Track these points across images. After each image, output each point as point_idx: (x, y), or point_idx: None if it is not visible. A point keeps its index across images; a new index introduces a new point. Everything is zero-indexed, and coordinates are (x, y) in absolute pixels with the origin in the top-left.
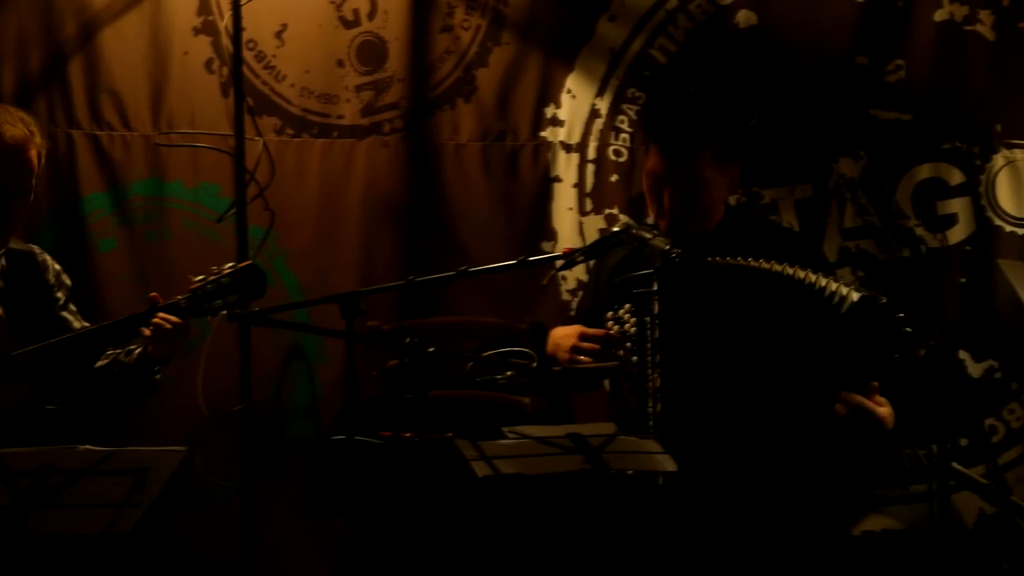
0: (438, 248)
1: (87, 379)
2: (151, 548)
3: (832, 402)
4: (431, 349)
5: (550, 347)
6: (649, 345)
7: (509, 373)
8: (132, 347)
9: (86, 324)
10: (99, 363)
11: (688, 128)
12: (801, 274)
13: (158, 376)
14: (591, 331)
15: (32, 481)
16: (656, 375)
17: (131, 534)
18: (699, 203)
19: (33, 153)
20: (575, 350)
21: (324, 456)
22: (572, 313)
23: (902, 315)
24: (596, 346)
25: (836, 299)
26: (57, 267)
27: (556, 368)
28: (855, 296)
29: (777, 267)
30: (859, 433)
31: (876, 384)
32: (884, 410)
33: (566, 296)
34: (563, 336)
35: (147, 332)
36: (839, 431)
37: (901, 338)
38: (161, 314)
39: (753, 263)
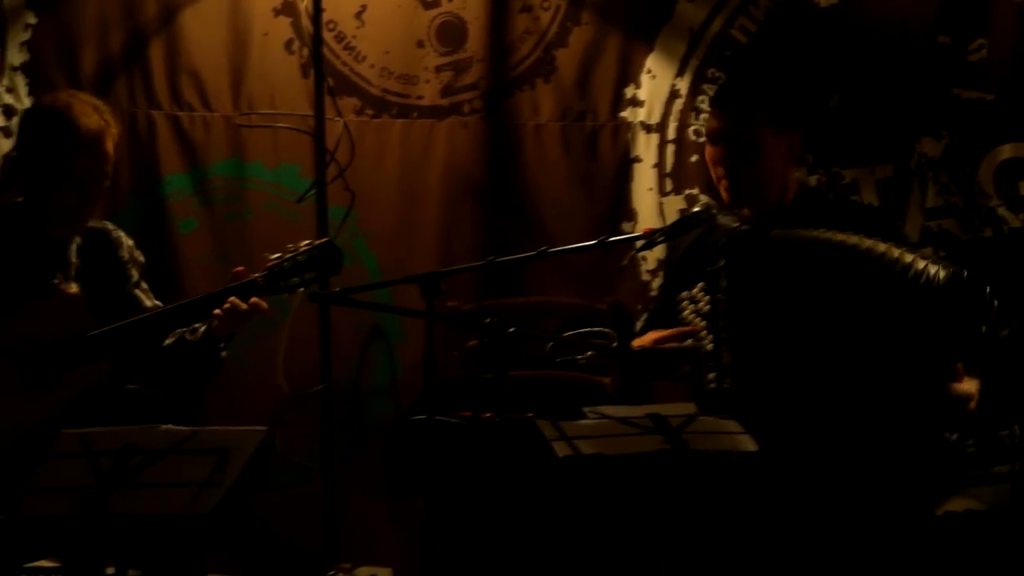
0: (518, 228)
1: (156, 358)
2: (232, 528)
3: (913, 381)
4: (511, 329)
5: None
6: (721, 322)
7: (589, 353)
8: (197, 325)
9: (158, 303)
10: (166, 341)
11: (744, 92)
12: (868, 244)
13: (223, 354)
14: (668, 332)
15: (114, 461)
16: (728, 351)
17: (212, 514)
18: (755, 166)
19: (109, 142)
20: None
21: (404, 436)
22: (652, 293)
23: (989, 288)
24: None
25: (913, 272)
26: (130, 243)
27: (636, 349)
28: (938, 270)
29: (845, 238)
30: (945, 414)
31: (961, 366)
32: (967, 387)
33: (646, 276)
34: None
35: (219, 313)
36: (921, 409)
37: (988, 312)
38: (233, 298)
39: (819, 234)
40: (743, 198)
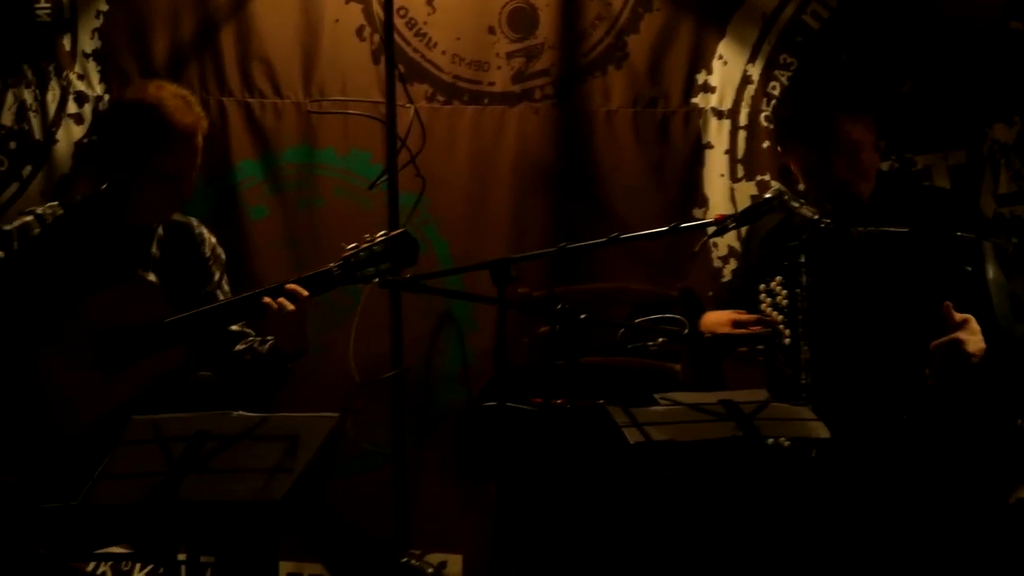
0: (588, 215)
1: (224, 360)
2: (303, 514)
3: (992, 375)
4: (582, 316)
5: (702, 329)
6: (800, 317)
7: (661, 340)
8: (268, 337)
9: None
10: (237, 347)
11: (814, 78)
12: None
13: (290, 366)
14: (744, 317)
15: (186, 447)
16: (806, 347)
17: (283, 500)
18: (844, 167)
19: (200, 137)
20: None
21: (475, 423)
22: (724, 279)
23: None
24: (756, 325)
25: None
26: (213, 240)
27: (708, 336)
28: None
29: (925, 232)
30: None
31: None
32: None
33: (717, 263)
34: (715, 323)
35: (269, 302)
36: (993, 400)
37: None
38: (280, 299)
39: (900, 231)
40: (829, 198)
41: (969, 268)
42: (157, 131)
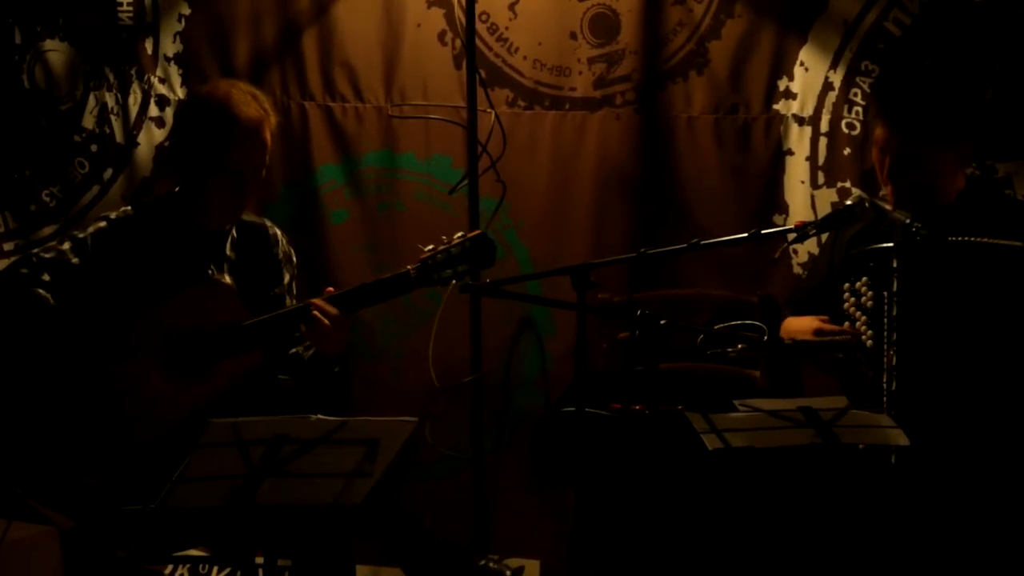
0: (669, 220)
1: (284, 364)
2: (381, 518)
3: None
4: (662, 321)
5: (783, 335)
6: (886, 321)
7: (740, 346)
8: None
9: None
10: (292, 350)
11: (911, 109)
12: None
13: (337, 370)
14: (828, 327)
15: (265, 450)
16: (892, 353)
17: (362, 504)
18: (922, 179)
19: (267, 132)
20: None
21: (554, 428)
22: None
23: None
24: (838, 329)
25: None
26: (286, 242)
27: (789, 344)
28: None
29: (1018, 247)
30: None
31: None
32: None
33: (797, 270)
34: (797, 330)
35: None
36: None
37: None
38: (316, 311)
39: (1001, 243)
40: (907, 203)
41: None
42: (221, 124)
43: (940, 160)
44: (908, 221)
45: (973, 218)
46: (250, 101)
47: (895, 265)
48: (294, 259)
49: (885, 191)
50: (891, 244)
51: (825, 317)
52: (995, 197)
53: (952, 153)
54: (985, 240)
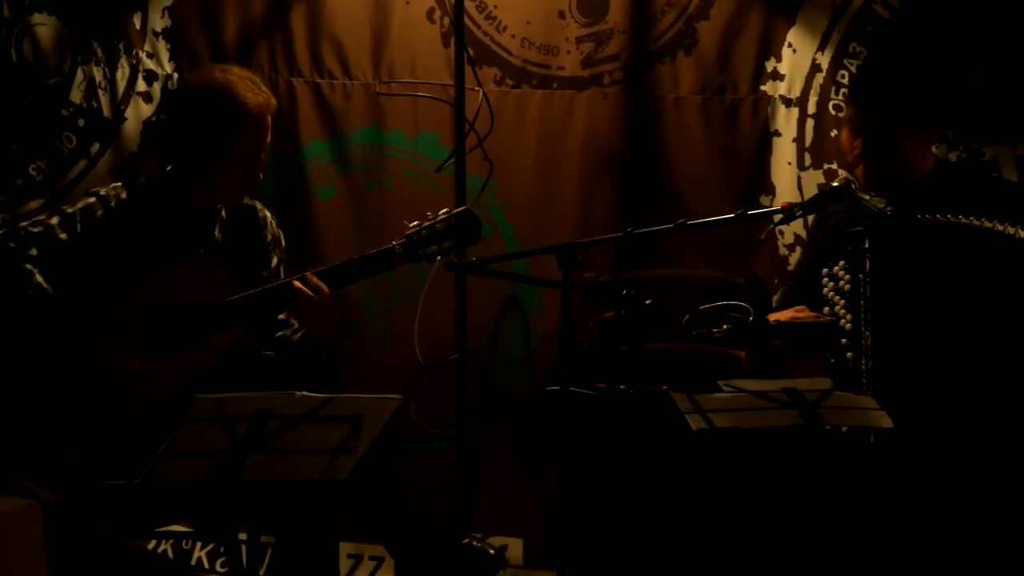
0: (655, 200)
1: (270, 345)
2: (365, 495)
3: None
4: (648, 301)
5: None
6: (862, 303)
7: (725, 327)
8: (296, 326)
9: None
10: (279, 333)
11: (884, 87)
12: (1012, 231)
13: (323, 356)
14: (804, 314)
15: (249, 426)
16: (868, 333)
17: (346, 481)
18: (891, 158)
19: (270, 117)
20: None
21: (539, 407)
22: (790, 268)
23: None
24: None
25: None
26: (275, 223)
27: (773, 323)
28: None
29: (993, 225)
30: None
31: None
32: None
33: (783, 251)
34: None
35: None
36: None
37: None
38: (299, 283)
39: (966, 221)
40: (878, 185)
41: None
42: (231, 113)
43: (912, 140)
44: (883, 207)
45: (942, 196)
46: (254, 88)
47: (867, 246)
48: (283, 242)
49: (856, 172)
50: (863, 227)
51: (802, 307)
52: (976, 176)
53: (925, 133)
54: (951, 218)
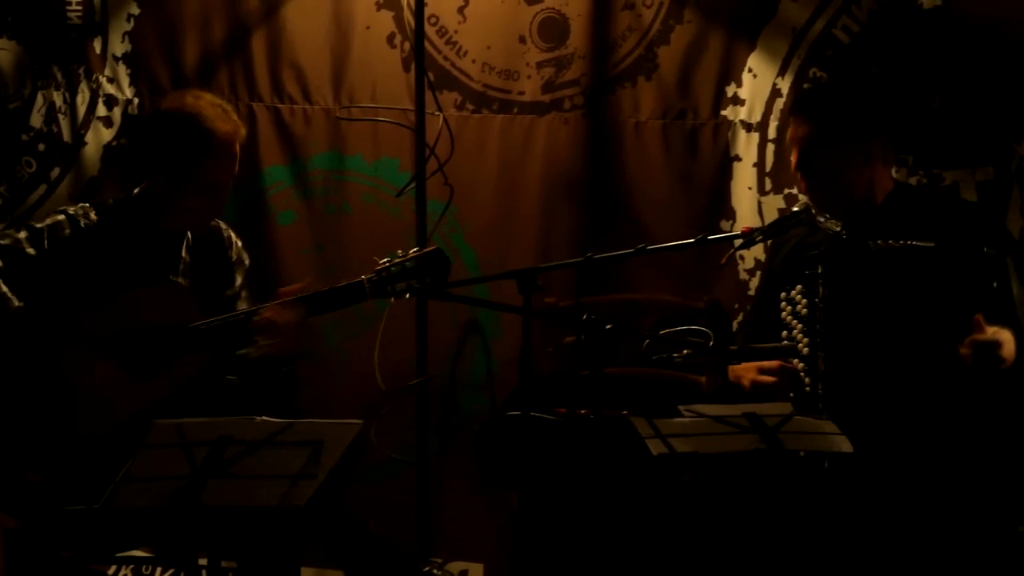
0: (616, 225)
1: (232, 364)
2: (325, 520)
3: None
4: (608, 326)
5: (731, 377)
6: (818, 327)
7: (686, 352)
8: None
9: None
10: (239, 351)
11: (810, 103)
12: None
13: (285, 370)
14: (767, 365)
15: (209, 451)
16: (822, 357)
17: (306, 506)
18: (828, 172)
19: (238, 145)
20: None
21: (499, 432)
22: (750, 292)
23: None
24: (774, 379)
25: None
26: (240, 244)
27: (734, 350)
28: None
29: (939, 246)
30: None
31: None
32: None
33: (744, 276)
34: (744, 370)
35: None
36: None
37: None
38: (269, 315)
39: (915, 244)
40: (821, 202)
41: (995, 284)
42: (199, 140)
43: (845, 154)
44: (839, 229)
45: (898, 219)
46: (224, 116)
47: (820, 271)
48: (246, 262)
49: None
50: (817, 252)
51: (774, 364)
52: (934, 199)
53: (853, 148)
54: (902, 243)
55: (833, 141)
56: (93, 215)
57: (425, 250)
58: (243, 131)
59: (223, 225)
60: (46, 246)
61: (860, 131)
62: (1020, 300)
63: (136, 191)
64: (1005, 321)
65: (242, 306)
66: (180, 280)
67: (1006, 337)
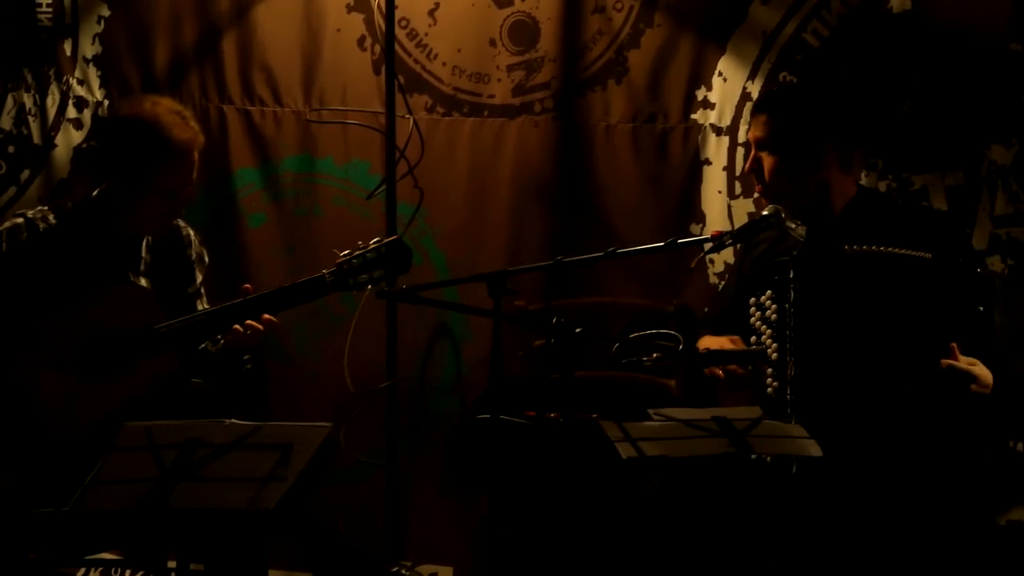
0: (586, 229)
1: (196, 363)
2: (294, 523)
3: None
4: (578, 330)
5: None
6: (788, 332)
7: (655, 355)
8: (220, 337)
9: (207, 307)
10: (200, 346)
11: (770, 97)
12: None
13: (248, 366)
14: (739, 346)
15: (178, 454)
16: (792, 362)
17: (275, 509)
18: (779, 173)
19: (197, 152)
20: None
21: (469, 435)
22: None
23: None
24: (743, 370)
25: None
26: (198, 241)
27: (703, 353)
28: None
29: (908, 253)
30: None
31: (955, 345)
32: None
33: (713, 279)
34: (709, 346)
35: (238, 329)
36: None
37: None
38: (248, 321)
39: (887, 250)
40: (774, 201)
41: (982, 308)
42: (155, 147)
43: (795, 155)
44: (805, 233)
45: (874, 227)
46: (181, 123)
47: (791, 276)
48: (206, 259)
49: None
50: (788, 257)
51: (736, 337)
52: (901, 206)
53: (801, 151)
54: (874, 248)
55: (780, 143)
56: (52, 218)
57: (385, 240)
58: (201, 139)
59: (181, 223)
60: (4, 249)
61: (810, 134)
62: (1001, 326)
63: (95, 193)
64: (981, 343)
65: (201, 303)
66: (142, 280)
67: (981, 372)
